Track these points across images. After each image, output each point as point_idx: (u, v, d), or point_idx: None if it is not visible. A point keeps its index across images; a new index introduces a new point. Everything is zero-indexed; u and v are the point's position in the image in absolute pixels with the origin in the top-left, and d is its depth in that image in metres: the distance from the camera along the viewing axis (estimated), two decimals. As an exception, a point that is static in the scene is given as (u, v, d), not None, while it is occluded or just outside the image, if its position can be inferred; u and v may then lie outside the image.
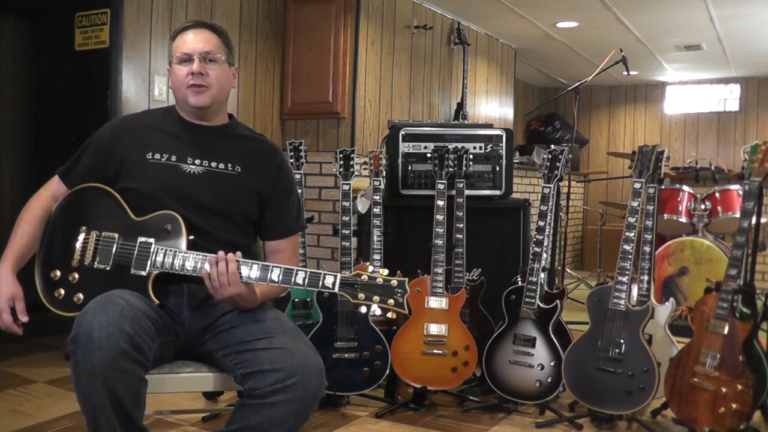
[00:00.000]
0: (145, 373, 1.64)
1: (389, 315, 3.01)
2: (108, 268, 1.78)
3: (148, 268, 1.77)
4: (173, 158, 1.90)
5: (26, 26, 4.71)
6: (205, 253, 1.76)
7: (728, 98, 8.11)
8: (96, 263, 1.79)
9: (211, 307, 1.85)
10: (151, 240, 1.79)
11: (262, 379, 1.68)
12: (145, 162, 1.89)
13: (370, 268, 2.98)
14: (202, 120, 1.98)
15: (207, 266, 1.73)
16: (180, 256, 1.77)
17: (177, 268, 1.77)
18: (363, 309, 2.92)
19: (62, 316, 1.78)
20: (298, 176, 3.25)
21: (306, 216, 2.66)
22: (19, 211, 1.90)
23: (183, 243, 1.80)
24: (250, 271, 1.73)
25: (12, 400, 2.98)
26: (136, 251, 1.78)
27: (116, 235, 1.80)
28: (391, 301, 1.67)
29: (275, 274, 1.73)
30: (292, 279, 1.72)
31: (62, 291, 1.78)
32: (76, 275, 1.79)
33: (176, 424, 2.74)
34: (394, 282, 1.68)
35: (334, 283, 1.69)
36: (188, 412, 2.84)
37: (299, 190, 2.97)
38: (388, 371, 2.95)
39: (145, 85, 3.74)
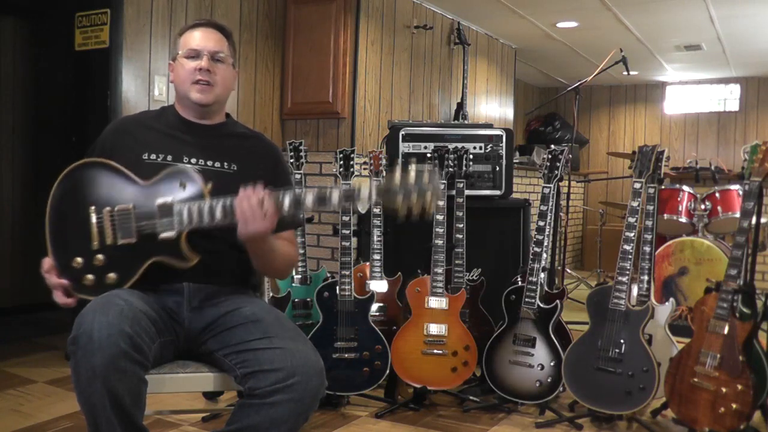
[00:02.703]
0: (145, 373, 1.63)
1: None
2: (134, 241, 1.72)
3: (176, 227, 1.70)
4: (169, 158, 1.89)
5: (26, 26, 4.72)
6: (230, 195, 1.68)
7: (728, 98, 8.11)
8: (119, 239, 1.73)
9: (211, 307, 1.85)
10: (170, 199, 1.72)
11: (262, 379, 1.67)
12: (141, 163, 1.88)
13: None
14: (201, 118, 1.98)
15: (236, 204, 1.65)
16: (206, 206, 1.69)
17: (206, 222, 1.68)
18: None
19: None
20: (298, 176, 3.26)
21: (306, 216, 2.65)
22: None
23: (203, 193, 1.73)
24: (285, 198, 1.64)
25: (12, 400, 2.98)
26: (158, 215, 1.72)
27: (131, 206, 1.75)
28: (429, 195, 1.53)
29: (309, 200, 1.63)
30: (327, 199, 1.61)
31: (90, 276, 1.72)
32: (101, 257, 1.73)
33: (176, 424, 2.74)
34: (425, 175, 1.53)
35: (370, 194, 1.57)
36: (188, 412, 2.84)
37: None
38: (388, 371, 2.95)
39: (145, 85, 3.74)
